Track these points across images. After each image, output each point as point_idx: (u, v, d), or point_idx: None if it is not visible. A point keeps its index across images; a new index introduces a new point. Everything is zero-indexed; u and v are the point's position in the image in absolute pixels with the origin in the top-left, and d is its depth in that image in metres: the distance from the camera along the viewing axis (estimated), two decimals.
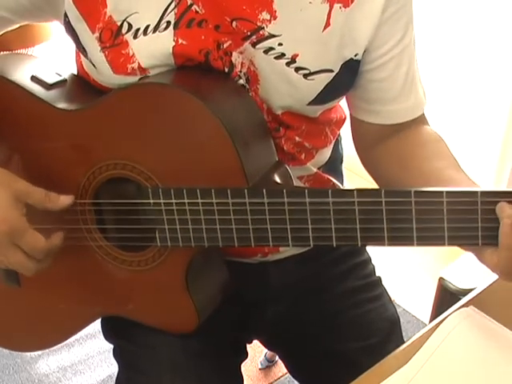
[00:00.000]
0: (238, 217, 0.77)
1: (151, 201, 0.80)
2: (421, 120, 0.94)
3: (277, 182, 0.82)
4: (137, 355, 0.97)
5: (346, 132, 1.06)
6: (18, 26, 0.95)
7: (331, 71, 0.85)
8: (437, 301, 1.54)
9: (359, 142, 0.98)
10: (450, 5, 2.09)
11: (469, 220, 0.70)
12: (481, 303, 0.86)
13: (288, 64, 0.83)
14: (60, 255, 0.87)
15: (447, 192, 0.70)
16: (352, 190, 0.72)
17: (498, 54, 2.03)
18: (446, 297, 1.49)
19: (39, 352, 1.85)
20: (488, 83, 2.09)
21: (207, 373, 0.96)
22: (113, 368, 0.97)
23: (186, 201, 0.78)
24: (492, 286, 0.91)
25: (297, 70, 0.83)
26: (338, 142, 1.05)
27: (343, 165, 1.10)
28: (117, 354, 1.02)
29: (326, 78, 0.85)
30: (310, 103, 0.87)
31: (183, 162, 0.80)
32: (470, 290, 0.90)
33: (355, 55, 0.86)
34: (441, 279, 1.51)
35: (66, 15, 0.85)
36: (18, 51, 1.82)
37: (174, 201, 0.79)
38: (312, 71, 0.84)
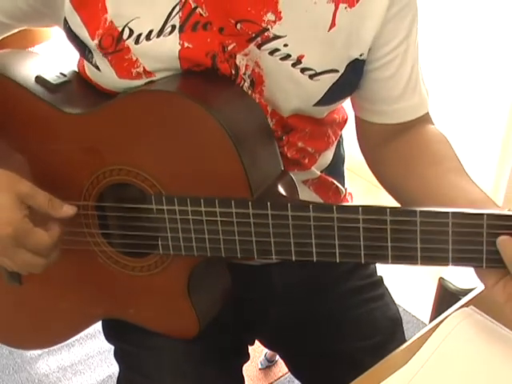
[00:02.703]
0: (241, 229, 0.77)
1: (154, 207, 0.80)
2: (425, 119, 0.94)
3: (282, 195, 0.82)
4: (138, 357, 0.97)
5: (347, 132, 1.06)
6: (17, 30, 0.94)
7: (337, 71, 0.85)
8: (437, 301, 1.54)
9: (365, 143, 0.98)
10: (450, 5, 2.09)
11: (474, 242, 0.70)
12: (481, 303, 0.85)
13: (294, 65, 0.83)
14: (63, 258, 0.87)
15: (453, 213, 0.69)
16: (357, 207, 0.72)
17: (498, 55, 2.03)
18: (446, 297, 1.49)
19: (39, 352, 1.85)
20: (488, 83, 2.09)
21: (209, 375, 0.96)
22: (113, 368, 0.97)
23: (189, 209, 0.78)
24: None
25: (302, 70, 0.83)
26: (339, 144, 1.05)
27: (345, 166, 1.10)
28: (118, 356, 1.02)
29: (331, 79, 0.85)
30: (317, 104, 0.87)
31: (187, 171, 0.80)
32: (470, 290, 0.90)
33: (360, 55, 0.85)
34: (441, 279, 1.51)
35: (66, 21, 0.84)
36: None
37: (176, 208, 0.79)
38: (318, 72, 0.84)
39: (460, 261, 0.71)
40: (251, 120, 0.84)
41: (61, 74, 0.90)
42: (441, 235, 0.70)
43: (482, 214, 0.69)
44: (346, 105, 0.99)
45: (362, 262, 0.74)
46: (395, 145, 0.92)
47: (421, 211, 0.70)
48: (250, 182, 0.77)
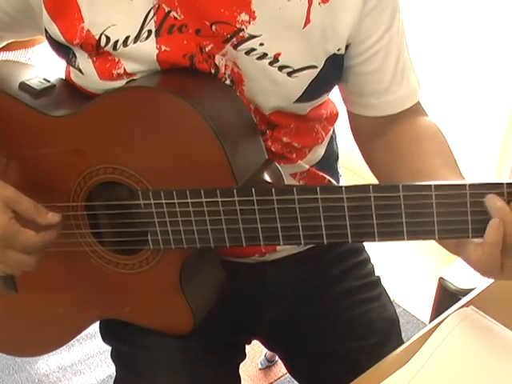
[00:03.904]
0: (228, 217, 0.77)
1: (141, 202, 0.80)
2: (416, 109, 0.93)
3: (267, 181, 0.82)
4: (133, 357, 0.97)
5: (341, 129, 1.06)
6: (5, 43, 0.95)
7: (315, 67, 0.85)
8: (437, 301, 1.54)
9: (358, 136, 0.98)
10: (451, 3, 2.09)
11: (458, 213, 0.70)
12: (481, 303, 0.86)
13: (271, 63, 0.83)
14: (55, 260, 0.87)
15: (435, 185, 0.70)
16: (340, 187, 0.72)
17: (498, 54, 2.04)
18: (446, 297, 1.49)
19: None
20: (488, 83, 2.09)
21: (204, 374, 0.95)
22: (113, 368, 0.98)
23: (175, 201, 0.78)
24: (492, 286, 0.91)
25: (280, 68, 0.83)
26: (332, 140, 1.04)
27: (340, 163, 1.09)
28: (114, 356, 1.02)
29: (310, 75, 0.85)
30: (297, 101, 0.87)
31: (172, 165, 0.80)
32: (470, 290, 0.90)
33: (338, 50, 0.85)
34: (441, 279, 1.51)
35: (46, 30, 0.85)
36: (18, 51, 1.82)
37: (163, 201, 0.79)
38: (295, 69, 0.84)
39: (446, 233, 0.72)
40: (232, 111, 0.84)
41: (45, 80, 0.90)
42: (425, 208, 0.70)
43: (464, 185, 0.69)
44: (337, 99, 0.99)
45: (349, 241, 0.74)
46: (387, 139, 0.92)
47: (403, 185, 0.70)
48: (234, 171, 0.77)
